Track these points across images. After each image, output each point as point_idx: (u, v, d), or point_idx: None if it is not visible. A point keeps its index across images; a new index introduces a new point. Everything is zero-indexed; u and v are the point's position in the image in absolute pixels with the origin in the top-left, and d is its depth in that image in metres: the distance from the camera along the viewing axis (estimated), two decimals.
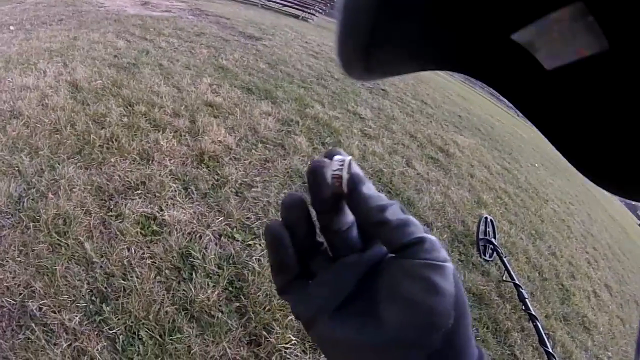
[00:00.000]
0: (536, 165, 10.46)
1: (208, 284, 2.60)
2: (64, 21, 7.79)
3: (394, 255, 0.38)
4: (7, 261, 2.40)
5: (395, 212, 0.37)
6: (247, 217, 3.30)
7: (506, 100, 0.33)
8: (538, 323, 3.47)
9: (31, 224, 2.66)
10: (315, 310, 0.39)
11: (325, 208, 0.40)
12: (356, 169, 0.39)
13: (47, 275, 2.38)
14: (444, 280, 0.34)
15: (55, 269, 2.40)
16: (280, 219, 0.41)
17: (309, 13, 21.38)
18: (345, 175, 0.38)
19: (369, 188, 0.38)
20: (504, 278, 4.03)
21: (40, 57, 5.25)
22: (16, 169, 3.10)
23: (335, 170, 0.38)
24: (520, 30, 0.25)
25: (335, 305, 0.39)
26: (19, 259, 2.44)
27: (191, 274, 2.64)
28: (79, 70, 4.96)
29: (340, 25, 0.28)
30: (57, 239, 2.60)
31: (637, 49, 0.22)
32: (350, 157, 0.39)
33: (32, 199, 2.87)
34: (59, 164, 3.23)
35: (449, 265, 0.35)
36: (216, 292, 2.56)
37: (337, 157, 0.39)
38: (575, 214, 8.34)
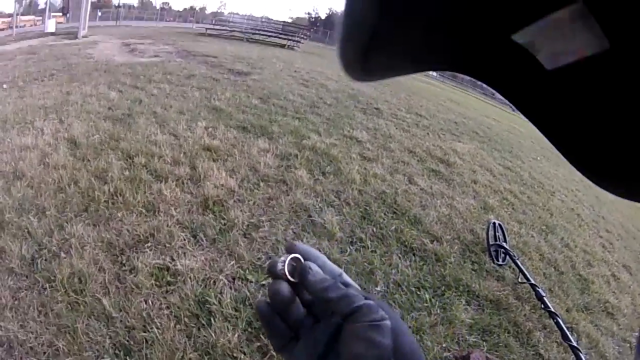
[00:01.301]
0: (538, 158, 10.41)
1: (227, 328, 2.60)
2: (55, 76, 7.92)
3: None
4: (27, 322, 2.42)
5: (335, 289, 0.46)
6: (258, 258, 3.31)
7: (503, 99, 0.34)
8: (559, 319, 3.41)
9: (47, 284, 2.68)
10: None
11: (285, 296, 0.50)
12: (306, 261, 0.51)
13: (69, 333, 2.39)
14: (381, 337, 0.42)
15: (77, 327, 2.41)
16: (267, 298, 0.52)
17: (294, 41, 21.62)
18: (287, 271, 0.50)
19: (314, 275, 0.48)
20: (519, 280, 3.99)
21: (36, 114, 5.33)
22: (26, 230, 3.14)
23: (280, 269, 0.50)
24: (520, 31, 0.25)
25: None
26: (39, 319, 2.45)
27: (210, 320, 2.65)
28: (76, 126, 5.04)
29: (341, 28, 0.28)
30: (75, 297, 2.62)
31: (637, 49, 0.23)
32: (291, 256, 0.51)
33: (45, 260, 2.90)
34: (67, 223, 3.27)
35: (386, 322, 0.43)
36: (236, 335, 2.56)
37: (281, 258, 0.51)
38: (584, 200, 8.18)
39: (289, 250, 0.52)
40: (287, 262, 0.50)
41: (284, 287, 0.50)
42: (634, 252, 6.67)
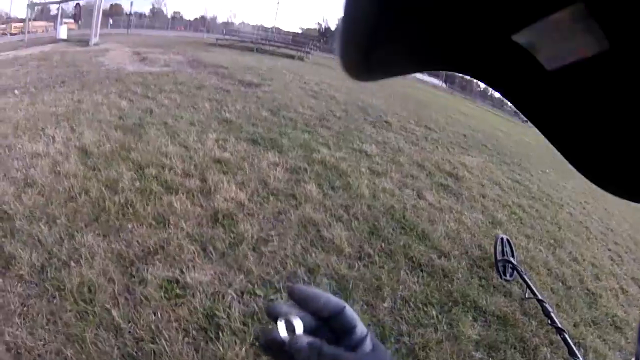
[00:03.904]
0: (547, 171, 10.35)
1: (235, 342, 2.61)
2: (66, 83, 7.97)
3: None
4: (36, 329, 2.43)
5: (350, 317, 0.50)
6: (267, 272, 3.32)
7: (512, 110, 0.35)
8: (566, 335, 3.39)
9: (56, 292, 2.70)
10: None
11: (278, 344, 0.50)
12: (292, 338, 0.49)
13: (77, 342, 2.40)
14: None
15: (85, 336, 2.42)
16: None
17: (304, 52, 21.71)
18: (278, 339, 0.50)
19: (298, 350, 0.47)
20: (526, 295, 3.97)
21: (47, 122, 5.39)
22: (36, 238, 3.16)
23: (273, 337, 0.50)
24: (521, 31, 0.25)
25: None
26: (47, 327, 2.47)
27: (218, 333, 2.66)
28: (87, 135, 5.08)
29: (341, 26, 0.29)
30: (84, 307, 2.63)
31: (637, 49, 0.23)
32: (280, 325, 0.50)
33: (55, 268, 2.91)
34: (77, 232, 3.29)
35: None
36: (244, 349, 2.57)
37: (278, 309, 0.52)
38: (592, 213, 8.11)
39: (290, 294, 0.53)
40: (278, 331, 0.50)
41: (276, 341, 0.50)
42: None
